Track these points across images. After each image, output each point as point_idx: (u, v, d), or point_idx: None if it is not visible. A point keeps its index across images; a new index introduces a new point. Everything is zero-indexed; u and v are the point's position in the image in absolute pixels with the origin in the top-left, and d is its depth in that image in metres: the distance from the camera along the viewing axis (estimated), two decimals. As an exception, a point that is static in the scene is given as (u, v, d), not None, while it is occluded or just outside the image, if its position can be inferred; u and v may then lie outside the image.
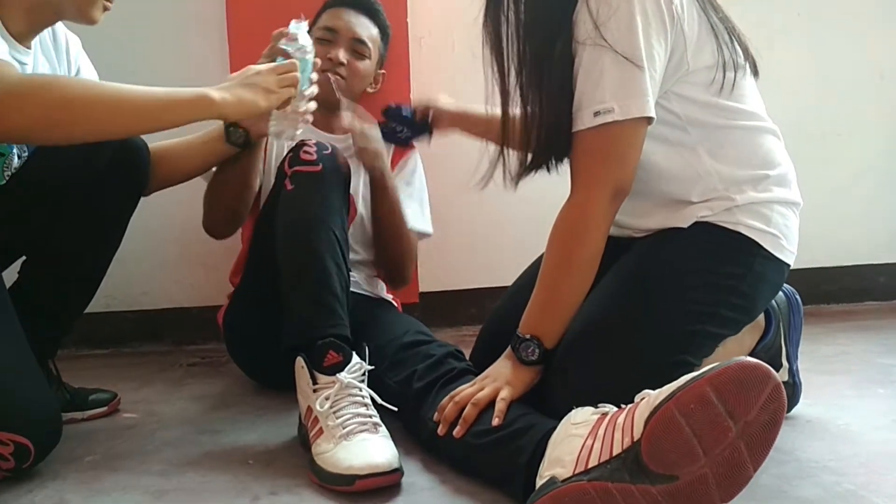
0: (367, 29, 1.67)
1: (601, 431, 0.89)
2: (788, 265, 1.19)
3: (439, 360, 1.27)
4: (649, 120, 1.08)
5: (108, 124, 1.12)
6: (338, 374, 1.15)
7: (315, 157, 1.32)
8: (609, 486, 0.83)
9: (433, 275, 1.96)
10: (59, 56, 1.39)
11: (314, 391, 1.15)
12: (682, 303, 1.10)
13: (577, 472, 0.87)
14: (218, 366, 1.89)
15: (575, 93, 1.10)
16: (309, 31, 1.38)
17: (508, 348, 1.14)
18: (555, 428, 0.97)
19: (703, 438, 0.82)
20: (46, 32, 1.36)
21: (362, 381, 1.17)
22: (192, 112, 1.15)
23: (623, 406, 0.91)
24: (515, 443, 1.01)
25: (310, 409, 1.15)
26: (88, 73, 1.45)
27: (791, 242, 1.18)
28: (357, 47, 1.65)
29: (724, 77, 1.14)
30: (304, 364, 1.18)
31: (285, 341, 1.22)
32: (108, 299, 2.04)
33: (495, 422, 1.05)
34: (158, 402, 1.57)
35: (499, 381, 1.10)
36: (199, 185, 1.57)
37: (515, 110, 1.19)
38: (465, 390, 1.12)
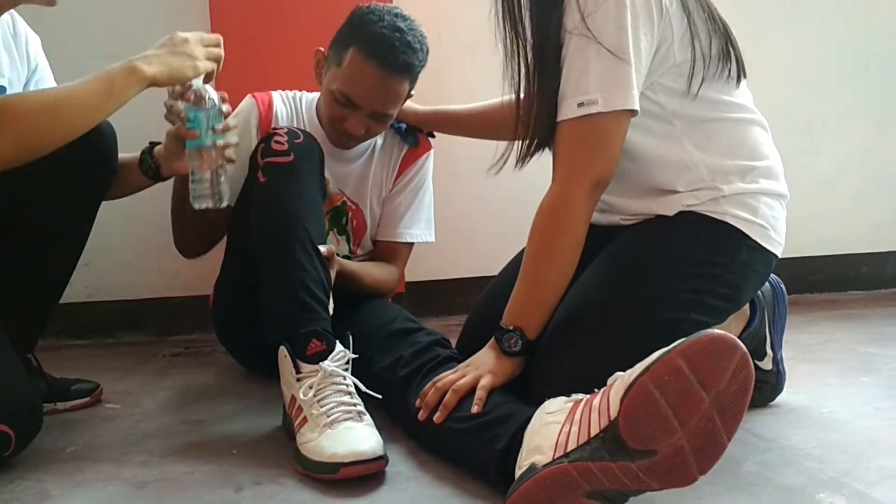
0: (393, 98, 1.47)
1: (577, 416, 0.89)
2: (776, 256, 1.19)
3: (425, 348, 1.27)
4: (633, 113, 1.09)
5: (69, 129, 1.13)
6: (321, 363, 1.14)
7: (286, 146, 1.31)
8: (590, 466, 0.84)
9: (419, 265, 1.95)
10: (20, 50, 1.37)
11: (298, 380, 1.15)
12: (667, 290, 1.11)
13: (556, 456, 0.87)
14: (201, 356, 1.88)
15: (560, 81, 1.10)
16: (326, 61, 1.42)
17: (492, 339, 1.14)
18: (529, 420, 0.97)
19: (679, 410, 0.82)
20: (6, 25, 1.34)
21: (346, 369, 1.17)
22: (128, 87, 1.15)
23: (597, 390, 0.91)
24: (494, 430, 1.01)
25: (294, 398, 1.15)
26: (44, 73, 1.43)
27: (779, 233, 1.18)
28: (379, 117, 1.49)
29: (711, 70, 1.14)
30: (287, 353, 1.17)
31: (266, 338, 1.21)
32: (90, 289, 2.03)
33: (474, 409, 1.05)
34: (141, 392, 1.56)
35: (481, 370, 1.10)
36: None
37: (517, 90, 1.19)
38: (447, 377, 1.12)
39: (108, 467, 1.15)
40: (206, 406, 1.45)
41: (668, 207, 1.16)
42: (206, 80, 1.26)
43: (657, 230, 1.16)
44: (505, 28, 1.17)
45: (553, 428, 0.91)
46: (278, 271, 1.24)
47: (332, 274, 1.34)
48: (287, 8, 1.94)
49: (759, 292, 1.30)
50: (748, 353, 0.84)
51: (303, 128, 1.46)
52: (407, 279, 1.99)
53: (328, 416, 1.10)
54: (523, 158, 1.22)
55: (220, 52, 1.27)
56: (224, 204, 1.28)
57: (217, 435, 1.28)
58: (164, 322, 2.09)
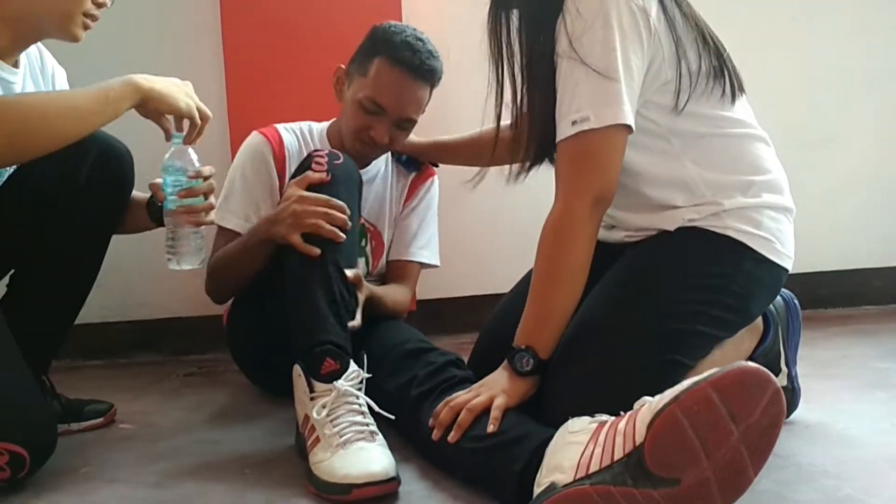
0: (418, 102, 1.53)
1: (602, 438, 0.89)
2: (786, 270, 1.19)
3: (440, 368, 1.27)
4: (629, 128, 1.09)
5: (62, 132, 1.15)
6: (335, 382, 1.14)
7: (325, 166, 1.33)
8: (612, 490, 0.83)
9: (430, 282, 1.95)
10: (46, 83, 1.40)
11: (311, 399, 1.15)
12: (672, 303, 1.11)
13: (577, 477, 0.87)
14: (214, 376, 1.88)
15: (555, 103, 1.12)
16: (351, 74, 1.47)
17: (505, 360, 1.14)
18: (551, 437, 0.96)
19: (706, 441, 0.82)
20: (34, 58, 1.37)
21: (360, 388, 1.17)
22: (124, 99, 1.19)
23: (623, 413, 0.91)
24: (511, 450, 1.01)
25: (307, 418, 1.15)
26: None
27: (785, 246, 1.18)
28: (403, 124, 1.54)
29: (702, 86, 1.15)
30: (301, 372, 1.17)
31: (292, 353, 1.22)
32: (103, 310, 2.03)
33: (490, 429, 1.04)
34: (155, 412, 1.57)
35: (494, 390, 1.10)
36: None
37: (508, 112, 1.22)
38: (461, 396, 1.12)
39: (122, 488, 1.15)
40: (220, 426, 1.45)
41: (669, 222, 1.16)
42: (186, 139, 1.28)
43: (661, 247, 1.17)
44: (494, 49, 1.20)
45: (575, 448, 0.90)
46: (308, 285, 1.24)
47: (361, 298, 1.39)
48: (299, 32, 1.97)
49: (773, 308, 1.30)
50: (781, 389, 0.84)
51: None
52: (418, 297, 1.99)
53: (341, 437, 1.10)
54: (517, 176, 1.25)
55: (208, 117, 1.30)
56: (182, 267, 1.29)
57: (230, 455, 1.28)
58: (178, 342, 2.09)
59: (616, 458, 0.85)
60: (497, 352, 1.29)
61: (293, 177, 1.38)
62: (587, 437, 0.90)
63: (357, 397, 1.15)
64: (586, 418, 0.95)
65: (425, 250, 1.69)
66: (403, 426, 1.24)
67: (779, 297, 1.32)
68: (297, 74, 1.95)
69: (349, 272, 1.30)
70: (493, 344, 1.35)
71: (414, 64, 1.48)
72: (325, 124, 1.68)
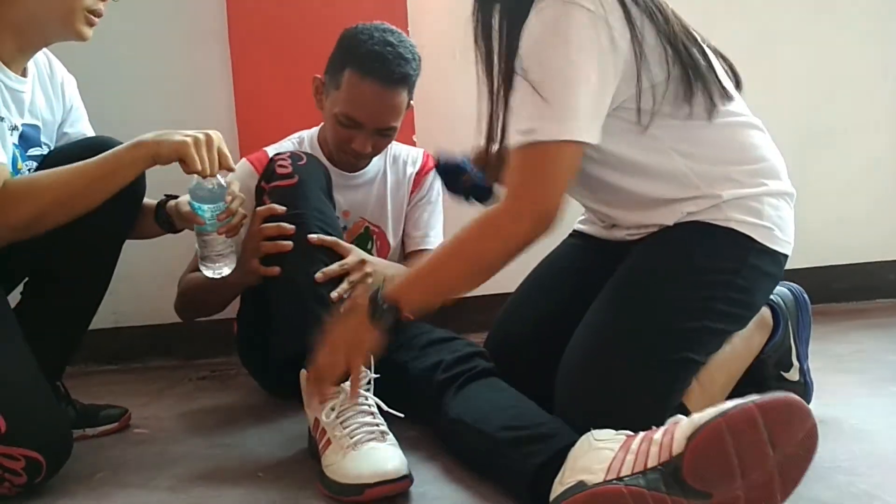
0: (396, 110, 1.50)
1: (634, 446, 0.90)
2: (786, 255, 1.18)
3: (466, 357, 1.29)
4: (578, 144, 1.06)
5: (82, 201, 1.20)
6: (342, 385, 1.15)
7: (290, 169, 1.34)
8: (644, 493, 0.85)
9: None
10: (55, 92, 1.41)
11: (320, 402, 1.16)
12: (679, 300, 1.10)
13: (608, 478, 0.88)
14: (227, 379, 1.89)
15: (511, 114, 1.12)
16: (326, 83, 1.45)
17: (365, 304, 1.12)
18: (572, 443, 0.97)
19: (744, 460, 0.84)
20: (43, 66, 1.38)
21: (368, 389, 1.17)
22: (134, 160, 1.20)
23: (655, 427, 0.92)
24: (535, 445, 1.02)
25: (317, 421, 1.16)
26: (80, 113, 1.48)
27: (786, 233, 1.17)
28: (384, 132, 1.53)
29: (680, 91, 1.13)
30: (306, 376, 1.18)
31: (276, 353, 1.23)
32: (116, 315, 2.05)
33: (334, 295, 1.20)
34: (168, 416, 1.58)
35: (346, 351, 1.11)
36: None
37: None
38: (319, 363, 1.13)
39: (137, 493, 1.16)
40: (233, 429, 1.46)
41: (668, 216, 1.15)
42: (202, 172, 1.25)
43: (663, 244, 1.15)
44: (478, 52, 1.18)
45: (605, 453, 0.91)
46: (288, 285, 1.26)
47: (349, 262, 1.35)
48: (306, 39, 1.96)
49: (782, 302, 1.29)
50: (817, 425, 0.86)
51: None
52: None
53: (351, 438, 1.10)
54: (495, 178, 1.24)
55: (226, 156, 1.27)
56: (224, 273, 1.32)
57: (243, 458, 1.29)
58: (190, 346, 2.11)
59: (650, 465, 0.86)
60: (507, 351, 1.31)
61: (261, 177, 1.40)
62: (617, 445, 0.92)
63: (366, 398, 1.16)
64: (611, 430, 0.96)
65: (438, 240, 1.70)
66: (425, 408, 1.25)
67: (787, 292, 1.31)
68: (306, 81, 1.96)
69: (313, 237, 1.31)
70: (502, 344, 1.36)
71: (383, 74, 1.45)
72: (317, 129, 1.69)
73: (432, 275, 1.13)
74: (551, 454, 0.98)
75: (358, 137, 1.51)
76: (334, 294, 1.28)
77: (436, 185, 1.72)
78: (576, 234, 1.41)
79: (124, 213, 1.37)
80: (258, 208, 1.35)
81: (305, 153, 1.40)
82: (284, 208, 1.33)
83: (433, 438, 1.27)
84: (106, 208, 1.31)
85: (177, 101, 2.03)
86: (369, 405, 1.16)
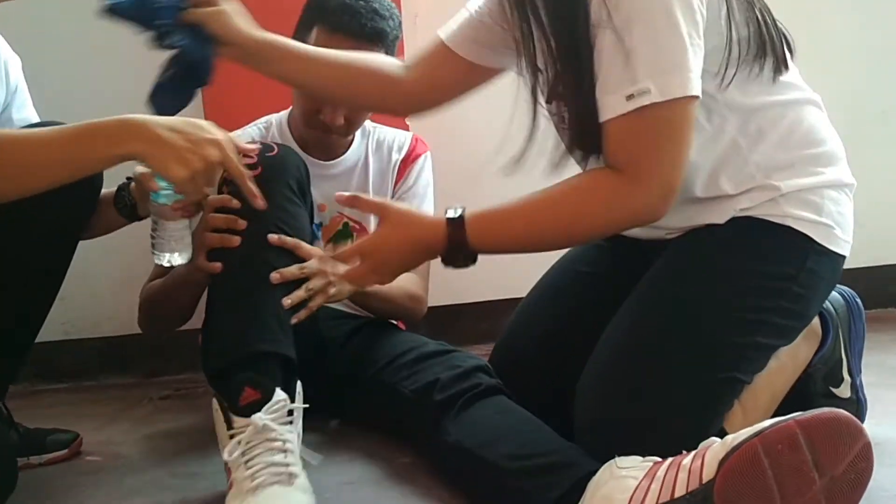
0: None
1: (661, 474, 0.90)
2: (844, 257, 1.18)
3: (466, 373, 1.28)
4: (695, 99, 1.04)
5: (33, 179, 1.10)
6: (253, 416, 1.10)
7: (255, 159, 1.31)
8: None
9: (439, 287, 1.94)
10: None
11: (230, 437, 1.11)
12: (727, 311, 1.10)
13: None
14: (193, 398, 1.89)
15: (598, 80, 1.07)
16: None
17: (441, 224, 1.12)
18: (597, 470, 0.97)
19: (785, 486, 0.83)
20: None
21: (288, 422, 1.12)
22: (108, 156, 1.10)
23: (685, 452, 0.92)
24: (552, 475, 1.01)
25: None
26: (24, 96, 1.47)
27: (846, 231, 1.17)
28: None
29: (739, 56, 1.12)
30: (217, 406, 1.14)
31: (204, 365, 1.21)
32: (66, 326, 2.05)
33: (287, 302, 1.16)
34: (125, 442, 1.57)
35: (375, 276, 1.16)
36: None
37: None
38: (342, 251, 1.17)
39: (89, 530, 1.16)
40: (199, 456, 1.45)
41: (719, 214, 1.14)
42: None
43: (709, 242, 1.15)
44: (518, 20, 1.13)
45: (629, 482, 0.91)
46: (226, 285, 1.23)
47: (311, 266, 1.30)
48: (282, 8, 1.96)
49: (833, 309, 1.29)
50: (871, 444, 0.85)
51: None
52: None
53: (252, 480, 1.05)
54: (557, 161, 1.19)
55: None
56: (174, 262, 1.28)
57: (212, 490, 1.28)
58: (150, 361, 2.11)
59: (677, 494, 0.86)
60: (517, 364, 1.30)
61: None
62: (641, 473, 0.92)
63: (281, 433, 1.10)
64: (637, 457, 0.96)
65: None
66: (419, 434, 1.25)
67: (838, 296, 1.31)
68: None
69: (273, 237, 1.24)
70: (511, 357, 1.35)
71: (354, 29, 1.46)
72: (286, 112, 1.69)
73: (514, 221, 1.12)
74: (570, 486, 0.98)
75: (327, 108, 1.51)
76: (287, 301, 1.22)
77: (424, 174, 1.72)
78: None
79: (80, 205, 1.35)
80: (210, 197, 1.30)
81: (279, 144, 1.39)
82: (239, 203, 1.26)
83: (429, 468, 1.26)
84: (59, 199, 1.30)
85: (133, 78, 2.03)
86: (284, 441, 1.10)
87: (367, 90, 1.34)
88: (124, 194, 1.40)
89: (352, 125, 1.58)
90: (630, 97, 1.03)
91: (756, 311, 1.10)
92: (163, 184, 1.23)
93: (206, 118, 1.96)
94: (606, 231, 1.10)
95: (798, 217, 1.12)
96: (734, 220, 1.14)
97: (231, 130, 1.63)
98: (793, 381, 1.24)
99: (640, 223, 1.11)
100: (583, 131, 1.12)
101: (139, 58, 1.27)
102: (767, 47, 1.14)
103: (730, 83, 1.12)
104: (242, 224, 1.25)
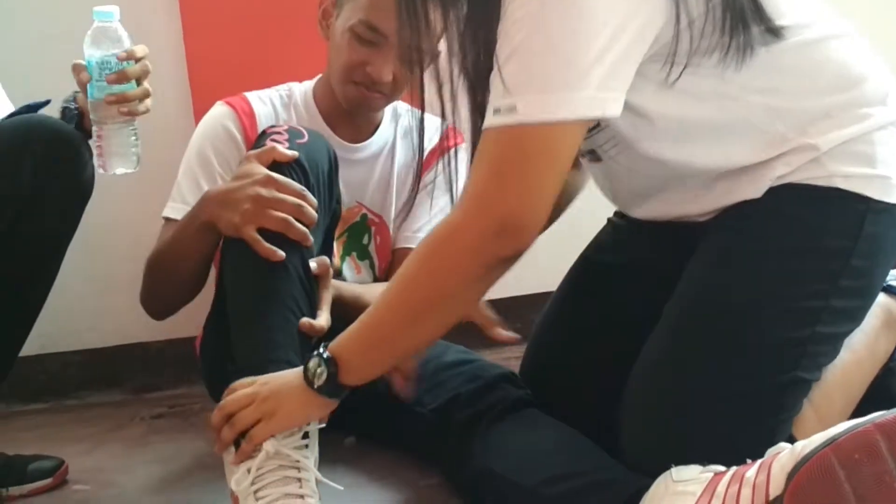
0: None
1: (721, 489, 0.89)
2: None
3: (489, 385, 1.28)
4: (582, 123, 1.00)
5: None
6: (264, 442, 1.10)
7: (286, 146, 1.32)
8: None
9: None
10: None
11: (217, 451, 1.14)
12: (779, 303, 1.08)
13: None
14: (190, 416, 1.89)
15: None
16: None
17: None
18: (647, 487, 0.97)
19: (866, 500, 0.82)
20: None
21: (304, 447, 1.12)
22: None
23: (749, 461, 0.91)
24: (596, 496, 1.02)
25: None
26: None
27: None
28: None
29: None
30: None
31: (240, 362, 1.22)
32: (42, 339, 2.04)
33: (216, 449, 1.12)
34: (115, 468, 1.58)
35: (268, 406, 1.09)
36: (155, 186, 1.60)
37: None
38: (237, 397, 1.12)
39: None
40: (199, 482, 1.46)
41: (754, 187, 1.11)
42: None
43: (748, 224, 1.12)
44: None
45: (686, 499, 0.91)
46: (249, 300, 1.25)
47: (328, 296, 1.33)
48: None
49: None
50: None
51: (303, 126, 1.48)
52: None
53: None
54: None
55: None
56: (115, 170, 1.33)
57: (214, 521, 1.29)
58: (141, 375, 2.11)
59: None
60: (549, 364, 1.30)
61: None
62: (700, 487, 0.91)
63: (295, 459, 1.10)
64: (696, 466, 0.95)
65: None
66: (443, 457, 1.25)
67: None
68: (277, 19, 1.96)
69: (312, 263, 1.28)
70: (543, 358, 1.35)
71: None
72: (310, 83, 1.69)
73: (373, 329, 1.10)
74: None
75: (377, 59, 1.51)
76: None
77: (452, 168, 1.70)
78: (623, 213, 1.37)
79: (68, 210, 1.37)
80: (257, 150, 1.32)
81: (307, 129, 1.39)
82: (296, 153, 1.30)
83: (458, 491, 1.27)
84: (44, 207, 1.32)
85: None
86: (298, 468, 1.10)
87: None
88: (69, 107, 1.41)
89: (397, 87, 1.57)
90: (497, 111, 0.99)
91: (812, 297, 1.08)
92: (93, 73, 1.30)
93: (191, 90, 1.99)
94: (469, 290, 1.06)
95: (847, 174, 1.09)
96: (772, 192, 1.11)
97: (214, 100, 1.64)
98: (872, 377, 1.23)
99: (490, 267, 1.03)
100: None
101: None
102: (739, 17, 1.04)
103: (678, 77, 1.06)
104: (313, 216, 1.26)
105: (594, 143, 1.17)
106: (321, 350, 1.09)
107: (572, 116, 0.97)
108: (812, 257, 1.09)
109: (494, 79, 1.01)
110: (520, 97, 0.97)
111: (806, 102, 1.11)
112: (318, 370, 1.08)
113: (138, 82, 1.33)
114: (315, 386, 1.09)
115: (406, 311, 1.08)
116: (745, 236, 1.12)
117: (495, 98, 1.01)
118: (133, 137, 1.35)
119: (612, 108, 0.99)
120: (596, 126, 1.11)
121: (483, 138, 1.03)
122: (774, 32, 1.08)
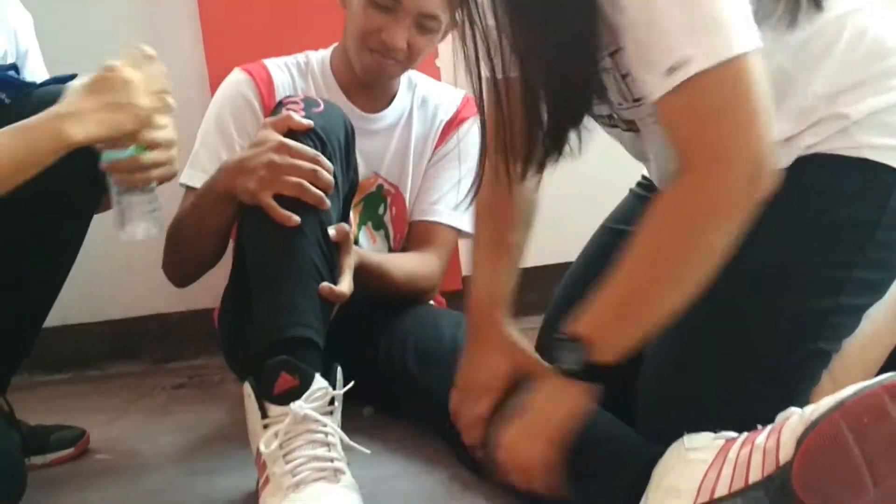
0: None
1: (732, 455, 0.88)
2: None
3: None
4: (750, 54, 0.97)
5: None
6: (291, 404, 1.10)
7: (303, 114, 1.32)
8: None
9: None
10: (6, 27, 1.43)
11: (264, 427, 1.12)
12: (802, 273, 1.07)
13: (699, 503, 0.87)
14: (210, 386, 1.91)
15: (632, 59, 1.03)
16: None
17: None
18: (661, 454, 0.96)
19: (876, 464, 0.81)
20: None
21: (329, 412, 1.13)
22: (53, 153, 1.16)
23: (760, 427, 0.90)
24: (610, 465, 1.02)
25: (259, 451, 1.12)
26: (35, 57, 1.51)
27: None
28: (425, 22, 1.55)
29: None
30: (251, 391, 1.15)
31: (267, 335, 1.20)
32: (65, 311, 2.06)
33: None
34: (137, 437, 1.60)
35: (531, 433, 1.04)
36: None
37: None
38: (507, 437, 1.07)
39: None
40: (219, 451, 1.47)
41: (782, 156, 1.06)
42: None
43: (774, 193, 1.10)
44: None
45: (697, 467, 0.90)
46: (267, 267, 1.25)
47: (350, 261, 1.34)
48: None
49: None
50: None
51: (320, 96, 1.48)
52: (465, 272, 1.98)
53: (294, 476, 1.06)
54: (522, 174, 1.20)
55: (169, 101, 1.25)
56: (133, 237, 1.28)
57: (234, 487, 1.30)
58: (161, 346, 2.13)
59: (752, 480, 0.84)
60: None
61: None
62: (711, 454, 0.90)
63: (323, 424, 1.11)
64: (709, 433, 0.94)
65: (458, 210, 1.65)
66: (460, 449, 1.24)
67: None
68: (281, 17, 1.98)
69: (331, 230, 1.28)
70: (553, 334, 1.34)
71: None
72: (326, 52, 1.69)
73: (630, 303, 1.04)
74: (635, 476, 0.97)
75: (392, 26, 1.52)
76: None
77: (468, 139, 1.69)
78: (645, 184, 1.38)
79: (86, 190, 1.36)
80: (273, 118, 1.32)
81: (323, 99, 1.39)
82: (311, 122, 1.30)
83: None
84: (67, 174, 1.32)
85: (134, 24, 2.04)
86: (326, 433, 1.11)
87: None
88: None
89: (412, 54, 1.56)
90: (671, 70, 0.97)
91: (835, 267, 1.07)
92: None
93: (205, 56, 2.00)
94: (727, 242, 1.00)
95: (876, 146, 1.08)
96: (800, 161, 1.10)
97: (230, 69, 1.64)
98: (890, 349, 1.22)
99: (741, 215, 0.99)
100: (564, 105, 1.10)
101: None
102: None
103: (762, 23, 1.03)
104: (329, 181, 1.27)
105: (636, 115, 1.15)
106: (566, 336, 1.04)
107: (741, 50, 0.95)
108: (838, 228, 1.09)
109: (651, 47, 0.99)
110: (690, 48, 0.95)
111: (841, 75, 1.10)
112: (573, 356, 1.04)
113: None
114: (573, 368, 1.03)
115: (662, 277, 1.02)
116: (770, 206, 1.11)
117: (661, 60, 0.97)
118: (148, 203, 1.28)
119: (756, 38, 0.98)
120: (640, 98, 1.10)
121: (668, 104, 0.98)
122: (817, 4, 1.08)
